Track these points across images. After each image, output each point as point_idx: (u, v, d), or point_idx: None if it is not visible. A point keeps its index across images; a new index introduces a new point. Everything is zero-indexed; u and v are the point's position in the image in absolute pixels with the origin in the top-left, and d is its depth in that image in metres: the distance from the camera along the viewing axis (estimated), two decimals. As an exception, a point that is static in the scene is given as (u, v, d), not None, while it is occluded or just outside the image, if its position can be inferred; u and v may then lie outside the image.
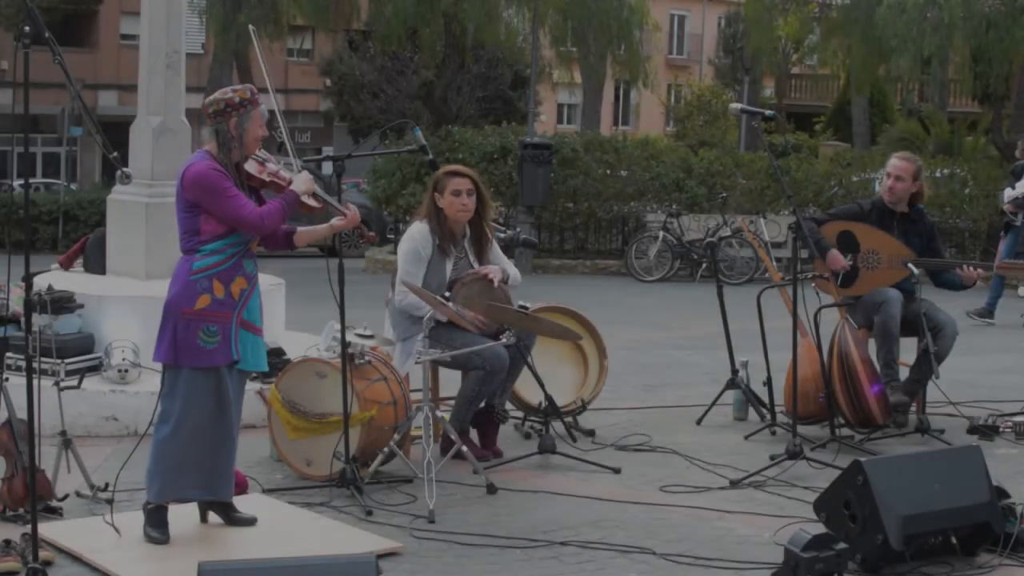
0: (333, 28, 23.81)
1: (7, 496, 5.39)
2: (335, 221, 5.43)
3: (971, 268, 7.23)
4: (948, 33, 19.84)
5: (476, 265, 6.67)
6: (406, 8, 19.14)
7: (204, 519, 5.34)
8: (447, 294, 6.41)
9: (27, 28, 4.25)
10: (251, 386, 7.36)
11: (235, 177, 5.10)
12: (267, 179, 5.23)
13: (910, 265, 7.13)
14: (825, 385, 6.85)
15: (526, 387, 6.97)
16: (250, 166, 5.21)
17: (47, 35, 4.29)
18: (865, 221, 7.39)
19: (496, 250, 6.82)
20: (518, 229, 11.13)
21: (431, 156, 6.54)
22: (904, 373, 7.25)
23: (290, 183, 5.28)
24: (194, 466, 5.11)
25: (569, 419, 7.13)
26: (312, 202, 5.32)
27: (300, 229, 5.42)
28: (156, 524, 5.12)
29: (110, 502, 5.51)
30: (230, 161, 5.10)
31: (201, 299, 5.03)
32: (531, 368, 6.56)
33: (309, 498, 5.80)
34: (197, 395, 5.06)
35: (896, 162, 7.37)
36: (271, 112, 5.43)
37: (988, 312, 12.89)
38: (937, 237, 7.56)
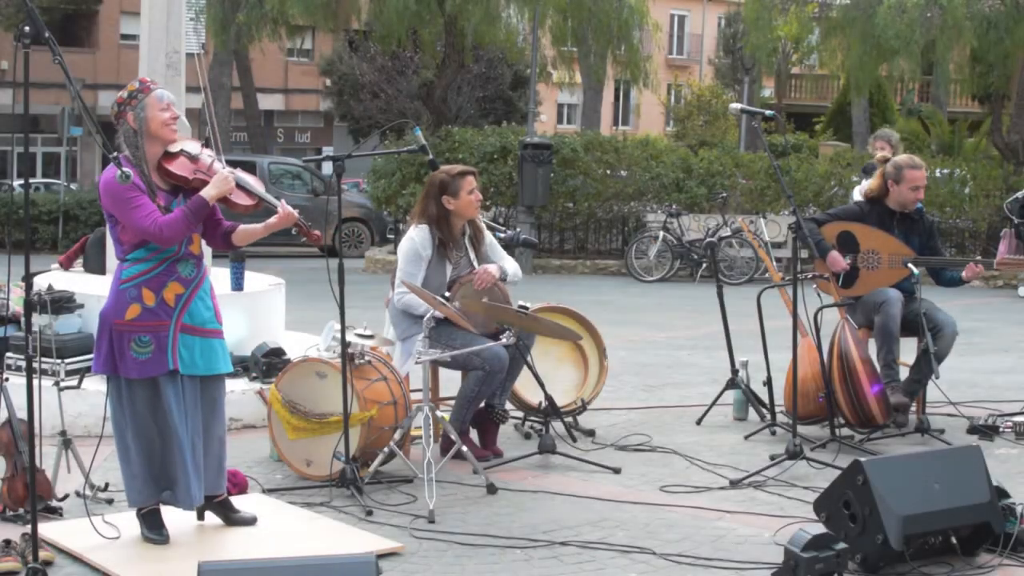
0: (332, 28, 23.78)
1: (7, 496, 5.39)
2: (270, 220, 5.19)
3: (973, 264, 7.25)
4: (949, 33, 19.85)
5: (476, 262, 6.67)
6: (407, 8, 19.13)
7: (200, 518, 5.32)
8: (447, 294, 6.41)
9: (27, 28, 4.24)
10: (251, 386, 7.40)
11: (148, 180, 4.93)
12: (192, 178, 5.01)
13: (910, 265, 7.14)
14: (825, 385, 6.85)
15: (526, 387, 6.97)
16: (179, 165, 5.02)
17: (47, 35, 4.28)
18: (865, 221, 7.40)
19: (493, 243, 6.83)
20: (518, 229, 11.13)
21: (431, 156, 6.54)
22: (904, 373, 7.25)
23: None
24: (153, 474, 5.04)
25: (569, 419, 7.13)
26: (241, 200, 5.08)
27: (240, 227, 5.19)
28: (152, 526, 5.10)
29: (110, 502, 5.52)
30: (141, 161, 4.94)
31: (131, 309, 4.93)
32: (531, 368, 6.56)
33: (309, 498, 5.80)
34: (139, 404, 4.98)
35: (918, 174, 7.32)
36: (202, 109, 5.27)
37: None
38: (936, 236, 7.56)
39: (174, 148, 5.07)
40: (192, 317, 5.05)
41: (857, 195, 12.09)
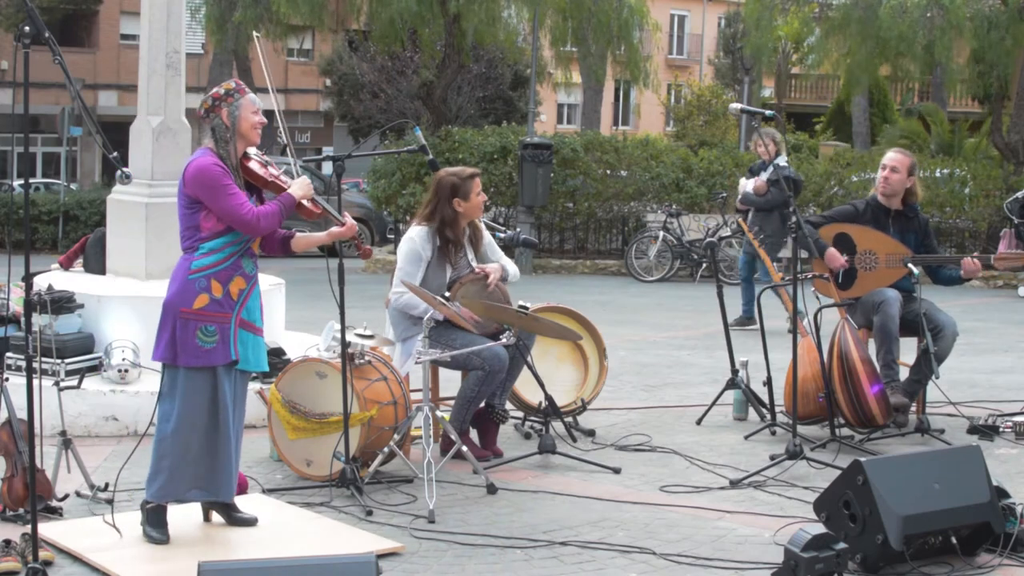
0: (331, 28, 23.78)
1: (7, 496, 5.40)
2: (333, 229, 5.43)
3: (971, 260, 7.25)
4: (950, 33, 19.84)
5: (475, 262, 6.68)
6: (408, 8, 19.12)
7: (207, 518, 5.35)
8: (447, 294, 6.41)
9: (27, 28, 4.25)
10: (251, 386, 7.40)
11: (236, 174, 5.11)
12: (269, 179, 5.25)
13: (910, 264, 7.14)
14: (825, 385, 6.85)
15: (526, 387, 6.97)
16: (254, 166, 5.23)
17: (47, 35, 4.29)
18: (860, 221, 7.40)
19: (491, 243, 6.83)
20: (518, 229, 11.14)
21: (431, 156, 6.54)
22: (904, 373, 7.25)
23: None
24: (193, 466, 5.11)
25: (569, 419, 7.13)
26: (310, 207, 5.31)
27: (299, 235, 5.43)
28: (155, 524, 5.12)
29: (110, 502, 5.51)
30: (230, 156, 5.11)
31: (199, 299, 5.04)
32: (531, 368, 6.56)
33: (309, 498, 5.80)
34: (195, 395, 5.06)
35: (891, 154, 7.42)
36: (272, 113, 5.43)
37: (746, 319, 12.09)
38: (931, 234, 7.57)
39: (251, 151, 5.28)
40: (249, 313, 5.19)
41: (745, 186, 12.13)
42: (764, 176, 11.83)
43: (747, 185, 12.06)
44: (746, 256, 12.28)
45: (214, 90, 5.16)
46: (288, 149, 5.89)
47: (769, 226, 11.64)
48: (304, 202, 5.26)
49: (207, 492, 5.19)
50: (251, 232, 5.10)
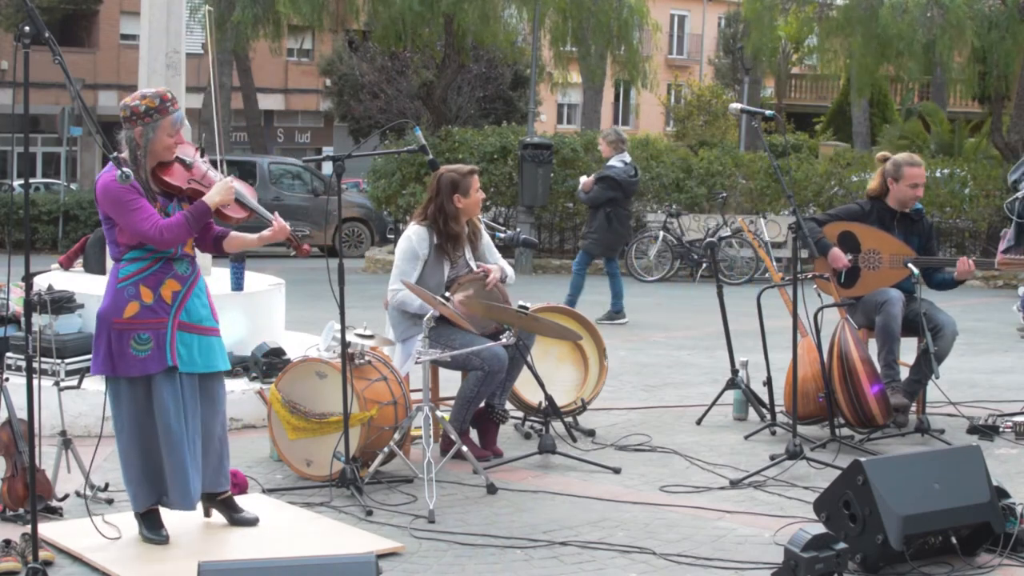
0: (331, 29, 23.77)
1: (7, 496, 5.39)
2: (264, 232, 5.25)
3: (966, 260, 7.24)
4: (950, 33, 19.85)
5: (473, 262, 6.68)
6: (409, 8, 19.12)
7: (207, 514, 5.34)
8: (446, 294, 6.41)
9: (27, 28, 4.25)
10: (251, 386, 7.40)
11: (147, 185, 4.97)
12: (185, 187, 5.06)
13: (911, 265, 7.14)
14: (825, 385, 6.85)
15: (526, 387, 6.97)
16: (173, 173, 5.05)
17: (47, 35, 4.28)
18: (865, 221, 7.40)
19: (489, 244, 6.84)
20: (518, 229, 11.14)
21: (431, 156, 6.54)
22: (904, 373, 7.25)
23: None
24: (153, 474, 5.05)
25: (569, 419, 7.13)
26: (234, 213, 5.15)
27: (232, 234, 5.28)
28: (151, 527, 5.10)
29: (110, 502, 5.52)
30: (139, 170, 4.95)
31: (129, 307, 4.95)
32: (531, 368, 6.56)
33: (309, 498, 5.80)
34: (138, 404, 5.00)
35: (916, 171, 7.34)
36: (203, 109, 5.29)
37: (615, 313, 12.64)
38: (934, 237, 7.57)
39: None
40: (189, 315, 5.07)
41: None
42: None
43: (580, 181, 12.49)
44: (585, 253, 12.54)
45: (135, 103, 4.97)
46: (209, 155, 5.67)
47: (595, 223, 11.98)
48: (225, 209, 5.08)
49: (170, 499, 5.08)
50: (157, 246, 4.95)
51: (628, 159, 12.49)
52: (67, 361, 7.18)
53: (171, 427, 4.99)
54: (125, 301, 4.96)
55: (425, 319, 5.98)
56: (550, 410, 6.60)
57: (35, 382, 4.56)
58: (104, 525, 5.09)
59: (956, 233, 19.33)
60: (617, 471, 6.38)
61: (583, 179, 12.52)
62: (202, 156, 5.29)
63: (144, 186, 4.96)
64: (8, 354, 7.11)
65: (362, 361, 6.14)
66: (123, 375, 4.98)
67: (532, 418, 7.19)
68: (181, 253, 5.08)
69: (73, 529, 5.20)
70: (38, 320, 7.06)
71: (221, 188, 5.06)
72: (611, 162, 12.34)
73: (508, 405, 6.86)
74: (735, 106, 7.24)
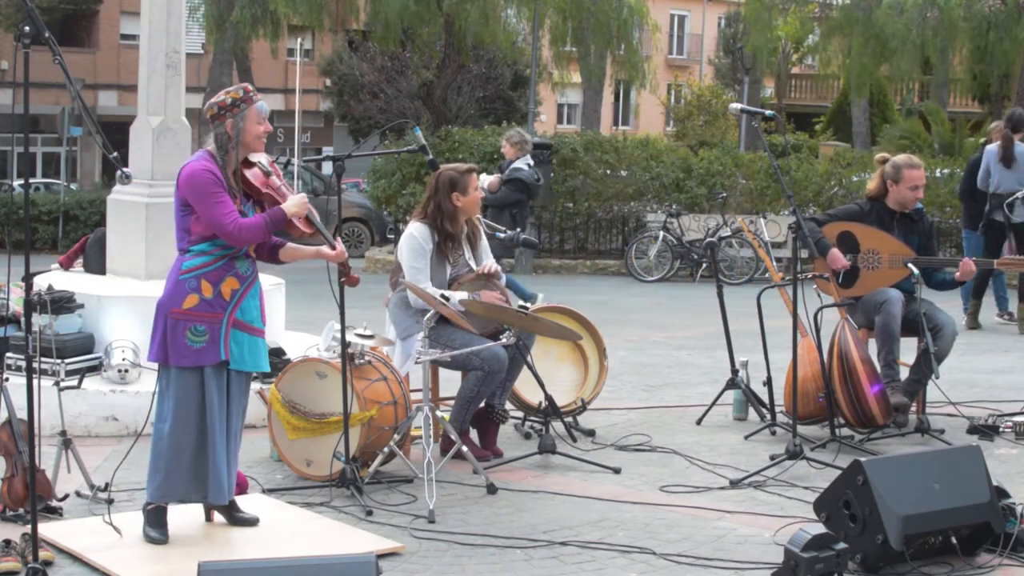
0: (331, 29, 23.77)
1: (7, 496, 5.39)
2: (323, 249, 5.40)
3: (968, 261, 7.24)
4: (947, 33, 19.86)
5: (473, 260, 6.68)
6: (406, 8, 19.13)
7: (208, 518, 5.35)
8: (446, 293, 6.41)
9: (27, 28, 4.25)
10: (252, 386, 7.39)
11: (230, 182, 5.10)
12: (263, 190, 5.22)
13: (910, 265, 7.13)
14: (825, 385, 6.85)
15: (526, 387, 6.97)
16: (252, 174, 5.21)
17: (47, 35, 4.29)
18: (865, 221, 7.40)
19: (486, 247, 6.84)
20: (518, 229, 11.14)
21: (431, 156, 6.54)
22: (904, 373, 7.25)
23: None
24: (188, 467, 5.10)
25: (569, 419, 7.13)
26: (303, 226, 5.28)
27: (288, 245, 5.42)
28: (155, 524, 5.12)
29: (110, 502, 5.52)
30: (229, 163, 5.11)
31: (189, 299, 5.04)
32: (531, 368, 6.56)
33: (309, 498, 5.80)
34: (187, 395, 5.07)
35: (916, 173, 7.33)
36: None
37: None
38: (934, 237, 7.57)
39: (253, 158, 5.25)
40: (244, 314, 5.17)
41: (483, 182, 12.23)
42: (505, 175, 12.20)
43: (484, 181, 12.29)
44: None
45: (220, 98, 5.14)
46: (291, 149, 5.88)
47: (500, 223, 11.96)
48: (295, 220, 5.23)
49: (201, 494, 5.19)
50: (232, 242, 5.08)
51: (532, 162, 12.55)
52: (67, 361, 7.18)
53: (214, 423, 5.09)
54: (185, 293, 5.05)
55: (425, 319, 5.98)
56: (550, 410, 6.60)
57: (35, 382, 4.56)
58: (104, 525, 5.10)
59: (956, 233, 19.29)
60: (617, 471, 6.38)
61: (485, 177, 12.26)
62: (281, 169, 5.39)
63: (229, 183, 5.09)
64: (8, 354, 7.11)
65: (362, 361, 6.14)
66: (175, 364, 5.05)
67: (532, 418, 7.19)
68: (244, 253, 5.19)
69: (73, 529, 5.20)
70: (38, 320, 7.05)
71: (297, 201, 5.24)
72: (516, 164, 12.32)
73: (508, 405, 6.86)
74: (735, 106, 7.24)
